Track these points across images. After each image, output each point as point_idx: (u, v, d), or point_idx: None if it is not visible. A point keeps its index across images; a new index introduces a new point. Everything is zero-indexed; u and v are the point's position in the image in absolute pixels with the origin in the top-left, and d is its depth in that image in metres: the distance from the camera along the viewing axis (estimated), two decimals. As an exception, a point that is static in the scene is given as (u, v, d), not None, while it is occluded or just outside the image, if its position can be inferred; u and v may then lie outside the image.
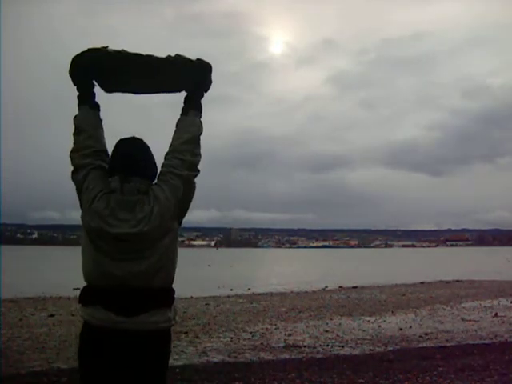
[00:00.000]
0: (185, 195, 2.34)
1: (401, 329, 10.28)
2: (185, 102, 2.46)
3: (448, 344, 8.60)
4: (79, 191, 2.34)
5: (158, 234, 2.26)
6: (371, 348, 8.33)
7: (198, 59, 2.41)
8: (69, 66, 2.35)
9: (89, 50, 2.32)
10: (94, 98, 2.45)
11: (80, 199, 2.34)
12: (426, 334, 9.55)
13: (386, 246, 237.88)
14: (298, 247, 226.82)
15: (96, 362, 2.23)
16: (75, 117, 2.42)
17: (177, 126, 2.43)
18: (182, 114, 2.44)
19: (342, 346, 8.47)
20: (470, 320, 11.43)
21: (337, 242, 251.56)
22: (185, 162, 2.34)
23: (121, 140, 2.37)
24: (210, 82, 2.47)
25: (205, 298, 17.05)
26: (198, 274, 28.92)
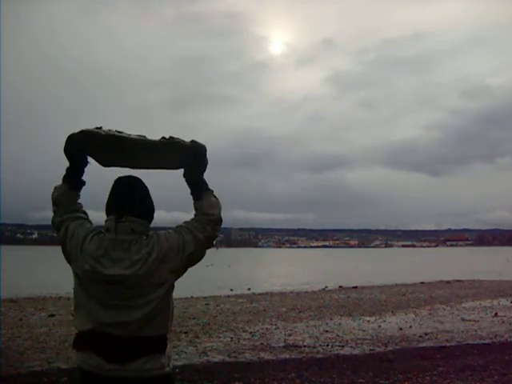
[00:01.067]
0: (193, 254, 2.27)
1: (401, 329, 10.28)
2: (190, 187, 2.38)
3: (448, 344, 8.60)
4: (64, 244, 2.30)
5: (152, 281, 2.17)
6: (371, 348, 8.33)
7: (193, 141, 2.33)
8: (64, 144, 2.33)
9: (82, 131, 2.29)
10: (81, 176, 2.40)
11: (66, 252, 2.29)
12: (426, 334, 9.56)
13: (386, 245, 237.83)
14: (298, 247, 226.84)
15: None
16: (54, 188, 2.39)
17: (196, 209, 2.36)
18: (195, 199, 2.36)
19: (342, 346, 8.47)
20: (470, 320, 11.43)
21: (337, 242, 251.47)
22: (205, 230, 2.30)
23: (118, 178, 2.32)
24: (207, 162, 2.38)
25: (205, 297, 17.07)
26: (197, 274, 28.91)
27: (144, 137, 2.33)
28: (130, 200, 2.24)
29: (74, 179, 2.37)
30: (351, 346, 8.49)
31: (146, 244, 2.20)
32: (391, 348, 8.31)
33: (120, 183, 2.30)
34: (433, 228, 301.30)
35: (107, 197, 2.31)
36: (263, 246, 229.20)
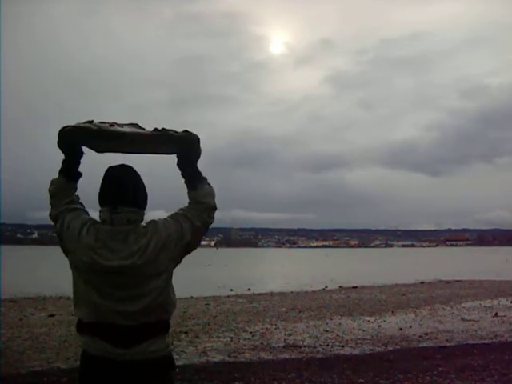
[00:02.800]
0: (191, 242, 2.30)
1: (401, 329, 10.28)
2: (184, 177, 2.38)
3: (448, 344, 8.60)
4: (61, 236, 2.29)
5: (152, 270, 2.18)
6: (371, 348, 8.33)
7: (185, 131, 2.32)
8: (57, 138, 2.32)
9: (74, 127, 2.28)
10: (77, 168, 2.39)
11: (63, 243, 2.29)
12: (426, 334, 9.56)
13: (386, 245, 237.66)
14: (298, 247, 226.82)
15: None
16: (51, 181, 2.39)
17: (190, 198, 2.36)
18: (190, 189, 2.36)
19: (342, 346, 8.47)
20: (470, 320, 11.43)
21: (337, 242, 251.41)
22: (201, 218, 2.32)
23: (109, 168, 2.30)
24: (200, 152, 2.37)
25: (205, 298, 17.07)
26: (197, 274, 28.90)
27: (137, 125, 2.34)
28: (123, 190, 2.22)
29: (70, 171, 2.37)
30: (351, 346, 8.49)
31: (143, 233, 2.20)
32: (391, 348, 8.31)
33: (112, 173, 2.28)
34: (433, 228, 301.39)
35: (99, 187, 2.29)
36: (263, 246, 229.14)
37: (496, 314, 12.21)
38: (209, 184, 2.40)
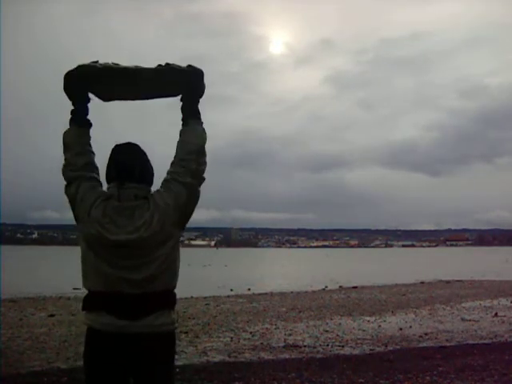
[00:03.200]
0: (187, 202, 2.32)
1: (401, 329, 10.28)
2: (183, 112, 2.42)
3: (448, 344, 8.60)
4: (73, 204, 2.34)
5: (158, 240, 2.25)
6: (371, 348, 8.33)
7: (189, 66, 2.38)
8: (63, 82, 2.36)
9: (79, 66, 2.33)
10: (86, 114, 2.43)
11: (75, 211, 2.34)
12: (426, 334, 9.55)
13: (386, 245, 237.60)
14: (298, 247, 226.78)
15: (102, 366, 2.23)
16: (64, 133, 2.41)
17: (180, 136, 2.40)
18: (183, 125, 2.41)
19: (342, 346, 8.47)
20: (470, 320, 11.43)
21: (337, 242, 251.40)
22: (189, 170, 2.32)
23: (116, 146, 2.38)
24: (204, 87, 2.41)
25: (205, 298, 17.06)
26: (197, 274, 28.90)
27: (140, 67, 2.36)
28: (130, 166, 2.30)
29: (80, 117, 2.41)
30: (351, 346, 8.49)
31: (147, 208, 2.26)
32: (391, 348, 8.31)
33: (119, 150, 2.36)
34: (433, 228, 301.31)
35: (106, 165, 2.37)
36: (263, 246, 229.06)
37: (496, 314, 12.21)
38: (203, 128, 2.41)
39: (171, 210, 2.27)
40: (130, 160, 2.32)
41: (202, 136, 2.39)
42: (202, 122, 2.42)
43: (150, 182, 2.38)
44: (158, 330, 2.23)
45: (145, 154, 2.39)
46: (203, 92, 2.42)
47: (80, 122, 2.40)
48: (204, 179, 2.38)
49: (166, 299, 2.29)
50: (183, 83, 2.38)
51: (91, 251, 2.26)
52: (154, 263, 2.24)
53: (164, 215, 2.25)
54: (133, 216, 2.24)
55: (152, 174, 2.39)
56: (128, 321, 2.20)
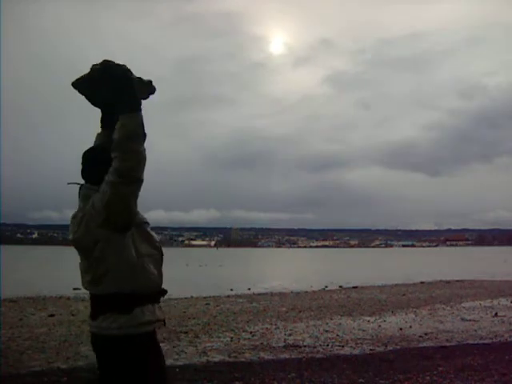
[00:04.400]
0: (111, 202, 2.17)
1: (401, 329, 10.28)
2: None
3: (448, 344, 8.59)
4: None
5: (87, 242, 2.26)
6: (371, 348, 8.32)
7: (104, 61, 2.27)
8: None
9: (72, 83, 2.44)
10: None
11: None
12: (426, 334, 9.55)
13: (386, 245, 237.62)
14: (298, 247, 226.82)
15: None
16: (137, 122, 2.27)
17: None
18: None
19: (342, 346, 8.47)
20: (470, 320, 11.43)
21: (337, 242, 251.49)
22: (114, 168, 2.17)
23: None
24: (130, 85, 2.23)
25: (205, 298, 17.07)
26: (197, 273, 28.91)
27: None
28: (83, 168, 2.43)
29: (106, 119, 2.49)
30: (351, 346, 8.49)
31: (82, 209, 2.34)
32: (391, 348, 8.31)
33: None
34: (433, 228, 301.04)
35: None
36: (263, 246, 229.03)
37: (496, 314, 12.21)
38: (128, 119, 2.16)
39: (95, 211, 2.22)
40: (84, 161, 2.42)
41: (126, 127, 2.16)
42: (132, 115, 2.19)
43: (96, 182, 2.31)
44: (105, 332, 2.27)
45: (98, 155, 2.37)
46: (132, 89, 2.23)
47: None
48: (132, 179, 2.17)
49: (111, 303, 2.26)
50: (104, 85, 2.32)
51: None
52: (93, 266, 2.28)
53: (89, 216, 2.25)
54: (75, 217, 2.34)
55: (99, 175, 2.26)
56: (91, 321, 2.35)
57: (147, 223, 2.43)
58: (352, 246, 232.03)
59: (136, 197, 2.25)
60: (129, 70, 2.27)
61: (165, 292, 2.43)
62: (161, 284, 2.41)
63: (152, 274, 2.33)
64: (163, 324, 2.40)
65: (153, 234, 2.42)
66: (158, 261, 2.41)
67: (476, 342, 8.73)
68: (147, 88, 2.45)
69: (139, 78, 2.36)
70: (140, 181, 2.21)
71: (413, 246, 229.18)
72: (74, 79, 2.42)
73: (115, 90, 2.23)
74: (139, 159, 2.18)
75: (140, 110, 2.24)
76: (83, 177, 2.41)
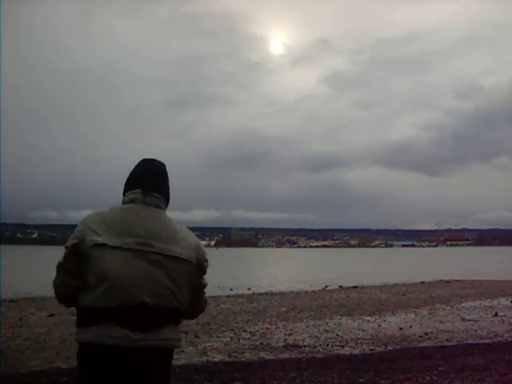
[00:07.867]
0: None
1: (401, 328, 10.28)
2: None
3: (448, 344, 8.60)
4: None
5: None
6: (371, 348, 8.33)
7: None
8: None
9: None
10: None
11: None
12: (426, 334, 9.55)
13: (386, 246, 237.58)
14: (298, 247, 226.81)
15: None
16: None
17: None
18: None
19: (342, 346, 8.47)
20: (470, 320, 11.43)
21: (337, 242, 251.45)
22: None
23: (144, 159, 2.37)
24: None
25: (205, 297, 17.05)
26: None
27: None
28: (155, 177, 2.31)
29: None
30: (351, 346, 8.49)
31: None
32: (391, 348, 8.31)
33: (147, 162, 2.36)
34: (433, 228, 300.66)
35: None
36: (263, 246, 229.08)
37: (496, 314, 12.21)
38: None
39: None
40: (156, 171, 2.38)
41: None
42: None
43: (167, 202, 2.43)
44: (169, 344, 2.19)
45: (167, 174, 2.42)
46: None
47: None
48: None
49: (173, 314, 2.21)
50: None
51: None
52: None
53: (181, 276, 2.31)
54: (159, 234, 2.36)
55: (169, 196, 2.44)
56: (136, 333, 2.09)
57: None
58: (352, 246, 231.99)
59: None
60: None
61: None
62: None
63: None
64: None
65: None
66: None
67: (476, 342, 8.73)
68: None
69: None
70: None
71: (413, 245, 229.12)
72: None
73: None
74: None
75: None
76: (150, 184, 2.27)
